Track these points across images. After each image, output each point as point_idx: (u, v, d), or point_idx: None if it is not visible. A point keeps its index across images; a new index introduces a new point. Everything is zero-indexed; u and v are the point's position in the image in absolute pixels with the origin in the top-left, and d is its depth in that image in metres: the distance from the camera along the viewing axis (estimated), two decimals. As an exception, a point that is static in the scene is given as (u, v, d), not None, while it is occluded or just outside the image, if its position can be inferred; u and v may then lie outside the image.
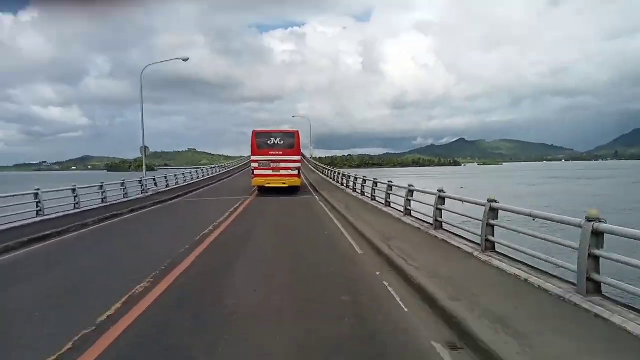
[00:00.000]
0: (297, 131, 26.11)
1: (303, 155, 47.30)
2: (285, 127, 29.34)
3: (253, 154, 24.77)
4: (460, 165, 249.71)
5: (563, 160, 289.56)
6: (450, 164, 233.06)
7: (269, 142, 24.52)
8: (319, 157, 31.86)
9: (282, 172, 24.32)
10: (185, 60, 29.59)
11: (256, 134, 24.67)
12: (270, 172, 24.29)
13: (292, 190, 24.62)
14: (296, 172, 24.72)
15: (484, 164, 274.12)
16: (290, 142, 24.75)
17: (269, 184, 24.28)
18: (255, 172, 24.46)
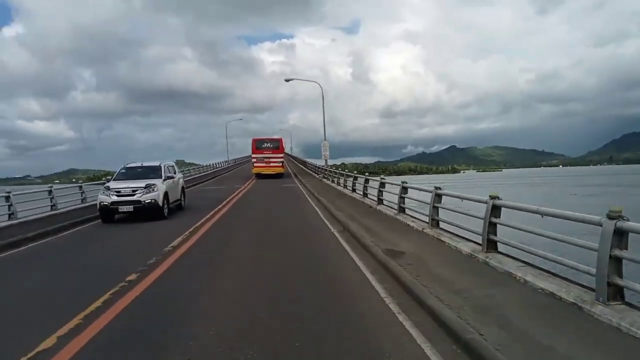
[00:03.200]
0: (281, 138, 42.55)
1: (288, 154, 69.67)
2: (275, 136, 44.76)
3: (253, 153, 40.06)
4: (459, 172, 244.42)
5: (560, 166, 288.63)
6: (448, 172, 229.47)
7: (263, 145, 39.47)
8: (320, 166, 32.77)
9: (271, 164, 38.95)
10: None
11: (255, 140, 40.39)
12: (264, 165, 38.93)
13: (279, 176, 38.65)
14: (280, 164, 39.77)
15: (483, 171, 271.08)
16: (277, 145, 40.31)
17: (263, 172, 38.53)
18: (255, 164, 39.51)
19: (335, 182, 25.99)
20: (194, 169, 44.62)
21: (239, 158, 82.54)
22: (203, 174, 42.75)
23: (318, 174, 36.48)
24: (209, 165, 52.56)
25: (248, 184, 31.85)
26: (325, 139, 35.59)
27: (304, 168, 52.01)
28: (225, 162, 64.65)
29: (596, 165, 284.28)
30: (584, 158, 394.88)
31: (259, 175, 38.19)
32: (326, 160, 35.13)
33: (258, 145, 39.31)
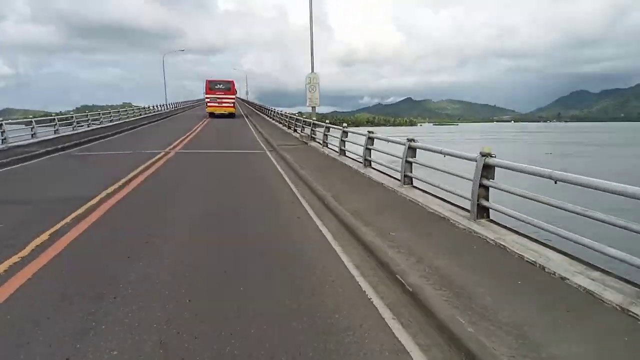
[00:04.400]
0: (233, 80, 44.03)
1: (244, 99, 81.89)
2: (227, 79, 44.58)
3: (206, 94, 42.98)
4: (416, 125, 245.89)
5: (512, 122, 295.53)
6: (405, 124, 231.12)
7: (215, 86, 42.14)
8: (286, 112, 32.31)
9: (224, 104, 41.88)
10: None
11: (208, 82, 42.80)
12: (216, 105, 41.79)
13: (230, 115, 42.07)
14: (232, 105, 42.55)
15: (440, 124, 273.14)
16: (228, 86, 42.64)
17: (216, 111, 41.52)
18: (208, 104, 42.32)
19: (292, 129, 25.84)
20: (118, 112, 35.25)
21: (184, 102, 72.51)
22: (119, 122, 32.53)
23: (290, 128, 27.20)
24: (143, 108, 44.71)
25: (204, 121, 36.30)
26: (312, 70, 21.24)
27: (265, 117, 48.06)
28: (162, 106, 53.89)
29: (545, 121, 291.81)
30: (533, 114, 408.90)
31: (212, 115, 41.48)
32: (313, 108, 21.42)
33: (211, 86, 42.29)
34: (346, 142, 14.53)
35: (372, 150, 11.76)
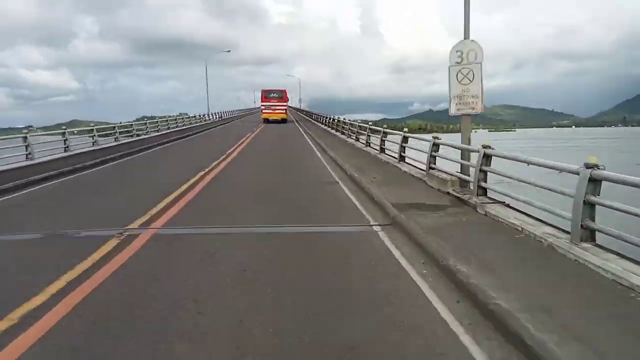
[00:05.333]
0: (285, 89, 50.08)
1: (296, 108, 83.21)
2: (280, 88, 50.73)
3: (262, 101, 48.95)
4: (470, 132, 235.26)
5: (573, 127, 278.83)
6: (459, 131, 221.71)
7: (270, 95, 48.29)
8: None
9: (277, 111, 47.63)
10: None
11: (263, 91, 48.79)
12: (270, 111, 47.64)
13: (283, 121, 47.05)
14: (284, 111, 48.57)
15: (495, 130, 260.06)
16: (281, 95, 48.86)
17: (269, 117, 46.97)
18: (263, 111, 48.28)
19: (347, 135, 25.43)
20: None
21: (231, 111, 66.38)
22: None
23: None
24: (174, 118, 35.93)
25: (260, 127, 41.34)
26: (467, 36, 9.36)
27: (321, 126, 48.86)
28: (202, 116, 47.21)
29: (610, 126, 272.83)
30: (595, 119, 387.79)
31: (266, 121, 46.68)
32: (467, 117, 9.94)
33: (266, 95, 48.40)
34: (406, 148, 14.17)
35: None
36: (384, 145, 16.86)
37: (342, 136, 25.81)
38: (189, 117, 41.55)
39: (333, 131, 30.32)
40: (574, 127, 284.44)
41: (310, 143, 25.17)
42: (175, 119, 35.60)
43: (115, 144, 21.08)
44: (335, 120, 31.27)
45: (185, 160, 18.11)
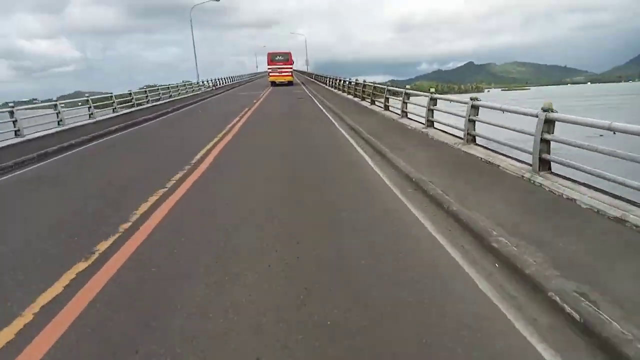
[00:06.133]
0: (290, 52, 49.61)
1: (304, 71, 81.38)
2: (285, 50, 50.31)
3: (268, 65, 49.20)
4: (483, 91, 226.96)
5: (589, 83, 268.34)
6: (472, 90, 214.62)
7: (276, 58, 48.65)
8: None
9: (283, 74, 48.52)
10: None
11: (269, 54, 49.24)
12: (277, 74, 48.55)
13: (289, 84, 48.06)
14: (290, 74, 49.31)
15: (508, 89, 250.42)
16: (286, 57, 48.88)
17: (277, 80, 48.18)
18: (270, 74, 49.12)
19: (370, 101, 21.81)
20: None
21: (229, 78, 59.71)
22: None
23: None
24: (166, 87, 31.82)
25: (268, 89, 44.62)
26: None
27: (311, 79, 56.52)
28: (194, 85, 40.49)
29: (628, 81, 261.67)
30: (610, 74, 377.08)
31: (273, 84, 47.85)
32: None
33: (272, 57, 48.95)
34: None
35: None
36: (406, 108, 15.32)
37: (368, 106, 21.07)
38: (190, 85, 39.45)
39: (355, 98, 25.58)
40: (589, 83, 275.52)
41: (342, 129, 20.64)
42: (178, 88, 34.17)
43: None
44: (352, 84, 27.29)
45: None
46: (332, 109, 20.81)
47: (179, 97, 31.82)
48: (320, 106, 23.68)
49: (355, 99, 24.75)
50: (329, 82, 40.64)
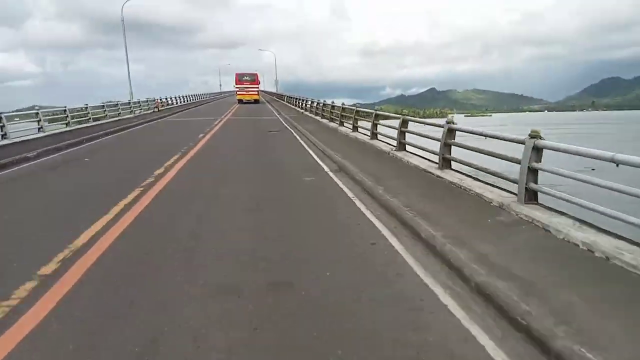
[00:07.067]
0: (257, 73, 54.14)
1: (272, 92, 79.93)
2: (252, 72, 54.57)
3: (236, 84, 52.75)
4: (447, 117, 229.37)
5: (546, 111, 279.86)
6: (437, 115, 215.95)
7: (243, 78, 52.65)
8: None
9: (250, 92, 52.21)
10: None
11: (237, 74, 53.09)
12: (244, 93, 52.13)
13: (256, 102, 51.25)
14: (256, 93, 52.99)
15: (471, 115, 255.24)
16: (253, 78, 53.29)
17: (243, 98, 51.68)
18: (238, 92, 52.68)
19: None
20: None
21: (185, 97, 52.35)
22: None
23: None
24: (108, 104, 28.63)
25: (234, 106, 47.30)
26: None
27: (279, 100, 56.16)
28: (120, 106, 30.14)
29: (581, 110, 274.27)
30: (564, 103, 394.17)
31: (240, 101, 51.30)
32: None
33: (240, 77, 52.56)
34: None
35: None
36: (376, 129, 15.04)
37: (333, 126, 21.19)
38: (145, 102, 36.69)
39: (319, 118, 26.17)
40: (546, 111, 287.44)
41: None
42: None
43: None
44: (321, 106, 26.57)
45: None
46: (310, 137, 18.28)
47: (80, 127, 21.73)
48: (297, 135, 19.80)
49: (324, 120, 24.20)
50: (296, 102, 40.06)
